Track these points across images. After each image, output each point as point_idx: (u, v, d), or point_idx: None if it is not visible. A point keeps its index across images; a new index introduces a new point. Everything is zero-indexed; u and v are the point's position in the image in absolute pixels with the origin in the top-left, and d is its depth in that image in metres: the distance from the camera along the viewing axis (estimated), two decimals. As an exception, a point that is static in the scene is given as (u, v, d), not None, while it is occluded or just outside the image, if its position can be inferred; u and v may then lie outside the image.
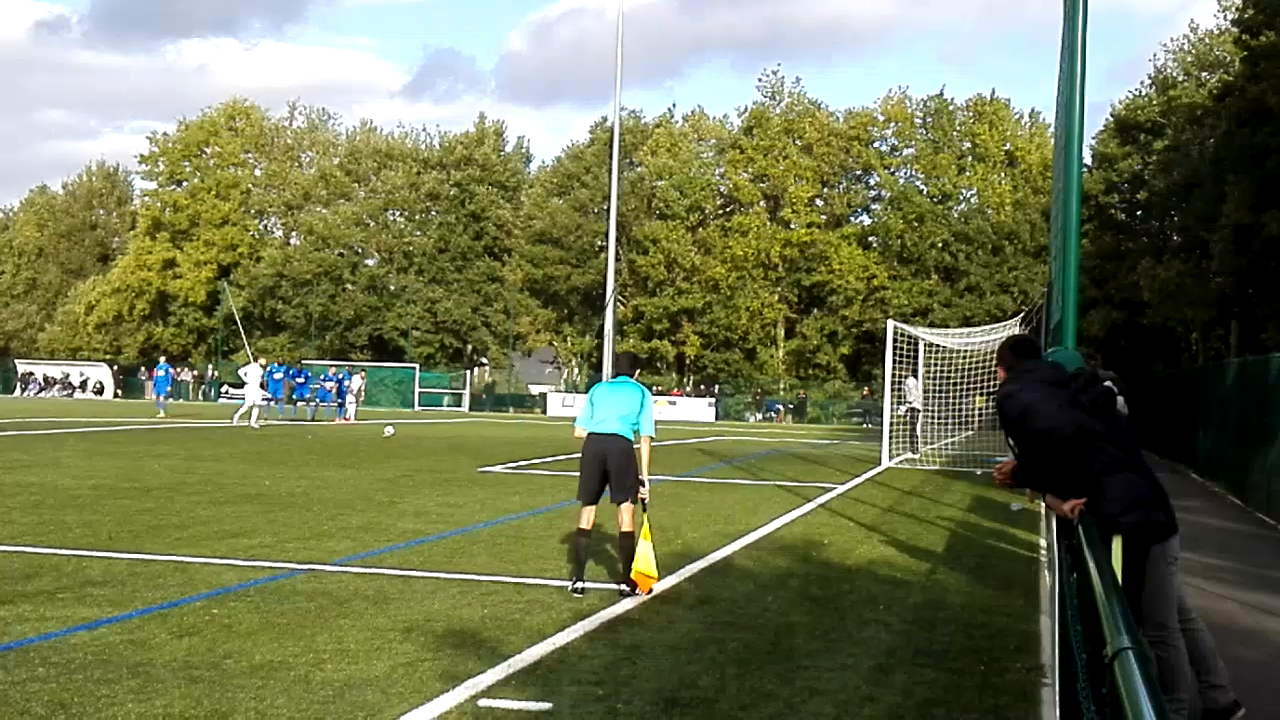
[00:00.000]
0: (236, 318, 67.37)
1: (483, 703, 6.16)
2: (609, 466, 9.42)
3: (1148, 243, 46.41)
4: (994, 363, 6.18)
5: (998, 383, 6.23)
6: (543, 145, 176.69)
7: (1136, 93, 50.35)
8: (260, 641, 7.31)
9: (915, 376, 29.84)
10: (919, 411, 29.04)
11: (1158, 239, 46.32)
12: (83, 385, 68.68)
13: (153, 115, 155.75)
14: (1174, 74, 48.03)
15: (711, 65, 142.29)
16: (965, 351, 29.28)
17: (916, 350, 29.03)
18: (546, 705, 6.16)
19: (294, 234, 76.17)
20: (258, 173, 78.00)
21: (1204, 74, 45.96)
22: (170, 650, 7.02)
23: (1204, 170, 36.16)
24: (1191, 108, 42.57)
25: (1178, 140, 43.14)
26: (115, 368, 71.07)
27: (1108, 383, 6.58)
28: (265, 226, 78.76)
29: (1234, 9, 35.68)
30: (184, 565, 9.90)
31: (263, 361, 37.67)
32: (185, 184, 76.66)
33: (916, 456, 27.57)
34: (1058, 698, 5.47)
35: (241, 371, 36.65)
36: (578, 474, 9.68)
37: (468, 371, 69.26)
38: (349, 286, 71.82)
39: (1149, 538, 5.95)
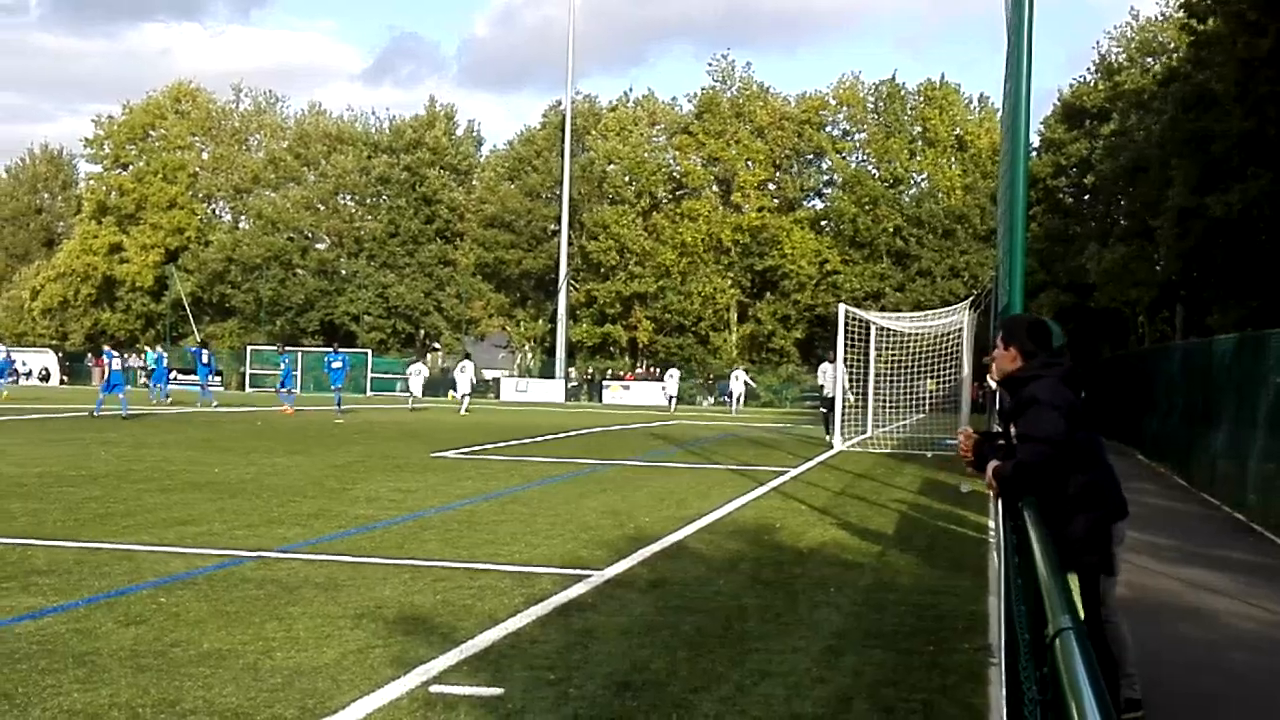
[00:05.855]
0: (185, 303, 66.78)
1: (434, 689, 6.14)
2: None
3: (1095, 226, 46.84)
4: (999, 336, 5.83)
5: (996, 361, 5.82)
6: (505, 131, 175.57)
7: (1082, 79, 50.88)
8: (208, 629, 7.24)
9: (832, 362, 28.04)
10: (833, 400, 27.42)
11: (1105, 222, 46.74)
12: (28, 372, 67.60)
13: (111, 100, 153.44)
14: (1118, 60, 48.49)
15: (675, 53, 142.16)
16: (917, 335, 29.39)
17: (868, 334, 29.09)
18: (498, 690, 6.15)
19: (243, 218, 75.32)
20: (205, 156, 76.98)
21: (1148, 59, 46.43)
22: (117, 639, 6.94)
23: (1149, 154, 36.49)
24: (1137, 93, 42.99)
25: (1124, 125, 43.57)
26: (61, 354, 70.11)
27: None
28: (213, 210, 77.79)
29: (1178, -5, 35.98)
30: (131, 553, 9.79)
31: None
32: (131, 167, 75.51)
33: (837, 443, 26.21)
34: (1004, 677, 5.53)
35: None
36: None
37: (421, 357, 68.89)
38: (299, 271, 71.13)
39: (1101, 570, 6.12)
